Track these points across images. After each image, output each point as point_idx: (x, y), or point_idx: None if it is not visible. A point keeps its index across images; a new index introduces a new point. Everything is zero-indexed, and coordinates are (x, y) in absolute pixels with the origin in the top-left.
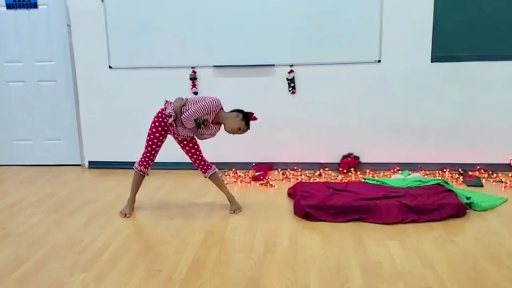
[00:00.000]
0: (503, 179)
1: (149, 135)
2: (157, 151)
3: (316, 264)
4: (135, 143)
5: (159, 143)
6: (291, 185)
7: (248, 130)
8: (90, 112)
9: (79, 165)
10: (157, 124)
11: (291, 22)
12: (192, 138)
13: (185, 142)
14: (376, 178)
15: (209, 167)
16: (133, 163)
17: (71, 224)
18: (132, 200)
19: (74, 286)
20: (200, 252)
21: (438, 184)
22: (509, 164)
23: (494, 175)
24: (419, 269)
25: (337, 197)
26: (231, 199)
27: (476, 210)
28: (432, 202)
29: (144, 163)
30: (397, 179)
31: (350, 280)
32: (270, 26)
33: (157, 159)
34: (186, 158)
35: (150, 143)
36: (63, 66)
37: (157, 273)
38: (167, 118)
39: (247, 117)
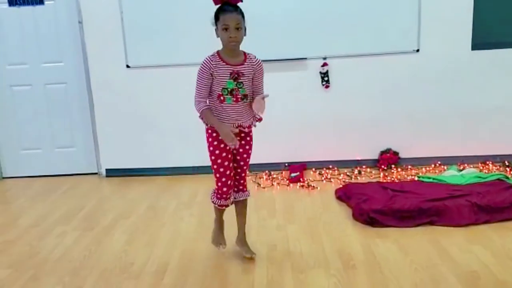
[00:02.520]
0: None
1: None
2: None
3: (407, 278)
4: (155, 148)
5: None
6: (335, 186)
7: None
8: (106, 115)
9: (95, 173)
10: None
11: (323, 12)
12: (239, 148)
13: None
14: (431, 175)
15: (243, 190)
16: (154, 169)
17: (112, 243)
18: (220, 228)
19: None
20: (271, 270)
21: (499, 179)
22: None
23: None
24: None
25: (401, 200)
26: (242, 238)
27: None
28: (504, 200)
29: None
30: (453, 176)
31: None
32: (300, 17)
33: (186, 163)
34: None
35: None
36: (74, 67)
37: None
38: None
39: (224, 6)
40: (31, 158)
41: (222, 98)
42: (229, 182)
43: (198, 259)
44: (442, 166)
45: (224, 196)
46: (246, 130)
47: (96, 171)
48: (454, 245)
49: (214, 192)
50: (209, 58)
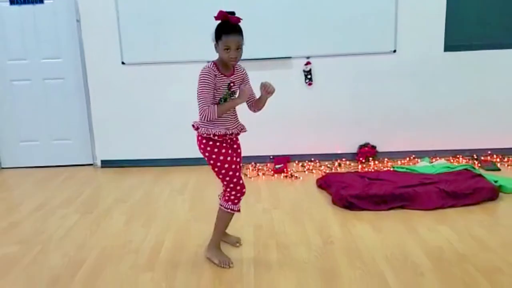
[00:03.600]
0: None
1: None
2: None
3: (380, 252)
4: (149, 140)
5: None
6: (316, 176)
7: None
8: (102, 109)
9: (91, 164)
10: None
11: (307, 15)
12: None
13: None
14: (405, 166)
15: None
16: (147, 160)
17: (112, 224)
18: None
19: (146, 286)
20: (258, 247)
21: (466, 169)
22: None
23: (506, 159)
24: (480, 251)
25: (376, 186)
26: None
27: (505, 193)
28: (468, 186)
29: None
30: (425, 166)
31: (420, 266)
32: (286, 19)
33: (178, 155)
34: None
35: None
36: (72, 63)
37: (225, 269)
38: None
39: (225, 27)
40: (29, 149)
41: None
42: (241, 181)
43: (191, 237)
44: (416, 159)
45: (241, 198)
46: (235, 137)
47: (91, 162)
48: (422, 226)
49: (230, 199)
50: (210, 68)
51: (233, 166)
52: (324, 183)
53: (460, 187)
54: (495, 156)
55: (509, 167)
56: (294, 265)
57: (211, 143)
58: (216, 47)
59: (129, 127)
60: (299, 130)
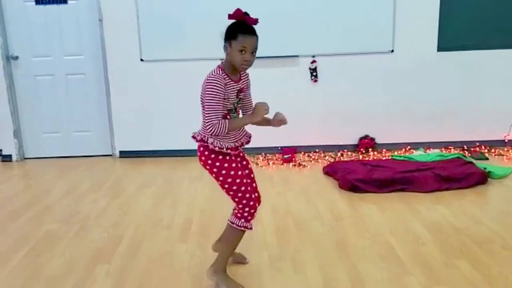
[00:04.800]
0: (501, 153)
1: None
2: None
3: (385, 226)
4: (165, 132)
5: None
6: (322, 165)
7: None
8: (121, 103)
9: (110, 155)
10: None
11: (312, 16)
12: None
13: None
14: (402, 155)
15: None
16: (163, 151)
17: (140, 205)
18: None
19: (183, 255)
20: (278, 222)
21: (458, 157)
22: (503, 140)
23: (493, 150)
24: (474, 225)
25: (378, 172)
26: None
27: (493, 178)
28: (460, 172)
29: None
30: (420, 155)
31: (421, 237)
32: (294, 20)
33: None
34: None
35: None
36: (93, 59)
37: (250, 239)
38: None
39: (243, 26)
40: (50, 141)
41: (229, 117)
42: (253, 195)
43: (217, 215)
44: (411, 150)
45: (254, 215)
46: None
47: (110, 153)
48: (421, 205)
49: (243, 216)
50: (220, 75)
51: (245, 180)
52: (330, 170)
53: (454, 172)
54: (483, 147)
55: (496, 157)
56: (311, 237)
57: (220, 157)
58: (225, 48)
59: (146, 120)
60: (305, 124)
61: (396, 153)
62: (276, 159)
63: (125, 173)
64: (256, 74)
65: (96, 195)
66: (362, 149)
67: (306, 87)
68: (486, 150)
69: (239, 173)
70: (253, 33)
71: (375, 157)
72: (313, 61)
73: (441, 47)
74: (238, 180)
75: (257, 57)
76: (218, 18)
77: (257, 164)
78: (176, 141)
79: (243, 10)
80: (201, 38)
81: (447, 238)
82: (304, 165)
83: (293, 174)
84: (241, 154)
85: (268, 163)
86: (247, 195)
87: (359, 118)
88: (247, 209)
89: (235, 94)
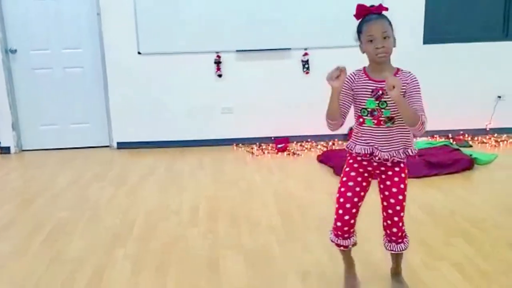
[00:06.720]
0: (484, 140)
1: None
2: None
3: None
4: (162, 123)
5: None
6: (314, 154)
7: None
8: (118, 96)
9: (107, 146)
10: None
11: (305, 11)
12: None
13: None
14: None
15: (396, 240)
16: (161, 142)
17: (147, 193)
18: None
19: (196, 237)
20: (281, 206)
21: (445, 145)
22: (485, 128)
23: (476, 138)
24: (465, 207)
25: None
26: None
27: (479, 164)
28: (449, 158)
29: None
30: None
31: (418, 217)
32: (287, 12)
33: (191, 137)
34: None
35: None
36: (91, 53)
37: (257, 223)
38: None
39: (366, 17)
40: (48, 133)
41: (361, 119)
42: (345, 217)
43: (223, 201)
44: None
45: (340, 234)
46: (388, 164)
47: (107, 144)
48: (414, 189)
49: (332, 228)
50: (352, 72)
51: (342, 189)
52: (324, 158)
53: (442, 159)
54: (467, 135)
55: (479, 144)
56: (314, 220)
57: (347, 156)
58: (361, 48)
59: (143, 112)
60: (297, 114)
61: None
62: (271, 149)
63: (125, 163)
64: (250, 67)
65: (102, 184)
66: None
67: (298, 79)
68: (469, 138)
69: (344, 179)
70: (377, 17)
71: None
72: (305, 54)
73: (426, 40)
74: (339, 185)
75: (250, 50)
76: (214, 11)
77: (252, 153)
78: (173, 132)
79: (366, 5)
80: (198, 31)
81: (442, 218)
82: (298, 154)
83: (289, 163)
84: (385, 170)
85: (263, 152)
86: (336, 205)
87: None
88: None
89: (369, 92)
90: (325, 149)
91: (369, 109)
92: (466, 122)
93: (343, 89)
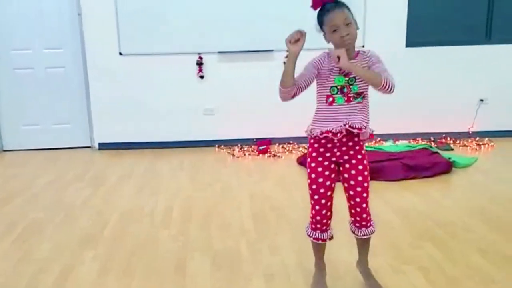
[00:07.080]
0: (466, 144)
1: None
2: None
3: None
4: (143, 124)
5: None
6: (295, 156)
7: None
8: (100, 96)
9: (89, 147)
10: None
11: (287, 13)
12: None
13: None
14: (373, 145)
15: (366, 225)
16: (142, 143)
17: (123, 194)
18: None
19: (166, 239)
20: (255, 209)
21: (424, 148)
22: (468, 132)
23: (458, 141)
24: (437, 210)
25: None
26: (365, 265)
27: (457, 167)
28: (427, 161)
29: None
30: (390, 145)
31: (391, 222)
32: (270, 14)
33: (172, 138)
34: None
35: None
36: (73, 53)
37: (227, 226)
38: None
39: (324, 8)
40: (30, 133)
41: (331, 99)
42: (323, 212)
43: (197, 203)
44: (382, 142)
45: (319, 226)
46: (355, 131)
47: (89, 145)
48: (390, 193)
49: (310, 223)
50: (319, 57)
51: (314, 186)
52: (304, 160)
53: (420, 162)
54: (449, 138)
55: (461, 147)
56: (287, 222)
57: (311, 141)
58: (325, 37)
59: (125, 113)
60: (280, 116)
61: (367, 144)
62: (252, 151)
63: (105, 164)
64: (232, 68)
65: (80, 184)
66: None
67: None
68: (451, 141)
69: (313, 176)
70: (335, 5)
71: None
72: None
73: (409, 43)
74: (309, 181)
75: (232, 52)
76: (196, 12)
77: (233, 155)
78: (155, 134)
79: None
80: (179, 32)
81: (414, 221)
82: (279, 156)
83: (269, 165)
84: (351, 146)
85: (244, 154)
86: (312, 201)
87: None
88: (310, 215)
89: (337, 70)
90: (305, 151)
91: (338, 87)
92: (448, 125)
93: (310, 66)
